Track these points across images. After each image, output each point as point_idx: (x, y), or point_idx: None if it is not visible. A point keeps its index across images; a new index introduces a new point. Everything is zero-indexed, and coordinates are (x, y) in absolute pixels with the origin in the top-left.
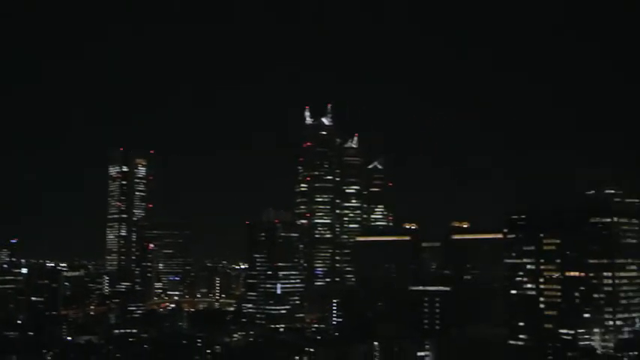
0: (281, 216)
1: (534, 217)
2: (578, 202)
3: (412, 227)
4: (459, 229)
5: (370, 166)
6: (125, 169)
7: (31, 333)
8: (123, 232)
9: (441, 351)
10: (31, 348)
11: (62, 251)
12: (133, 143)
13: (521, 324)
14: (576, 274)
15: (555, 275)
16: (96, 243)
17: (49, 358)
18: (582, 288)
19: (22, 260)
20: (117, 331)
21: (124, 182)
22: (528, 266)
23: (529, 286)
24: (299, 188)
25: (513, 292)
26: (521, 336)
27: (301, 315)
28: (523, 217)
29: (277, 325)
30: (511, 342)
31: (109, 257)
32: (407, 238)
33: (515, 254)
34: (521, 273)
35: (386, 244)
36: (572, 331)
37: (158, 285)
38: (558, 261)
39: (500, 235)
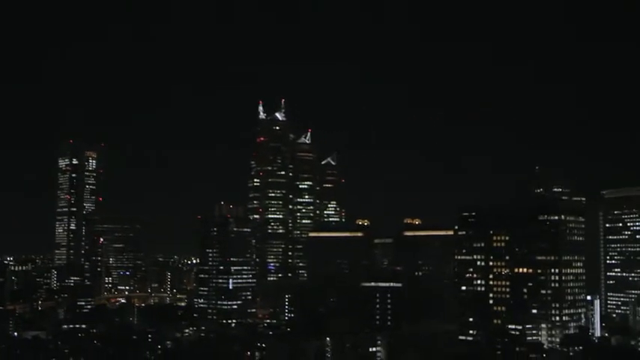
0: (233, 211)
1: (484, 214)
2: (527, 200)
3: (364, 223)
4: (411, 225)
5: (323, 162)
6: (75, 161)
7: None
8: (72, 226)
9: (393, 346)
10: None
11: (9, 245)
12: (84, 135)
13: (471, 320)
14: (524, 270)
15: (504, 272)
16: (44, 236)
17: None
18: (530, 284)
19: None
20: (65, 326)
21: (73, 175)
22: (478, 263)
23: (479, 282)
24: (252, 183)
25: (464, 288)
26: (471, 331)
27: (253, 310)
28: (474, 214)
29: (229, 321)
30: (461, 337)
31: (57, 251)
32: (359, 234)
33: (466, 251)
34: (471, 269)
35: (338, 240)
36: (520, 327)
37: (108, 279)
38: (507, 258)
39: (451, 232)
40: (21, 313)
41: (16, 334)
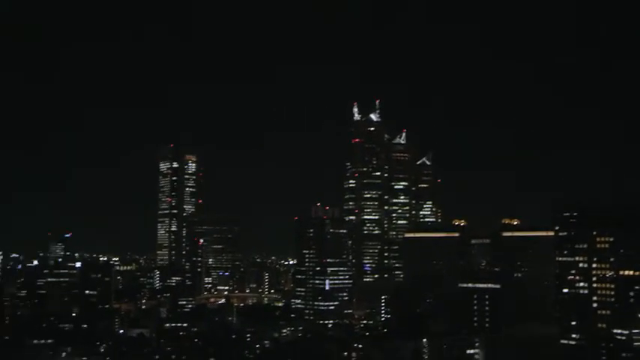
0: (329, 212)
1: (586, 214)
2: (630, 199)
3: (461, 224)
4: (509, 226)
5: (419, 162)
6: (175, 165)
7: (85, 326)
8: (173, 228)
9: (491, 349)
10: (85, 340)
11: (115, 246)
12: (182, 139)
13: (573, 323)
14: (630, 273)
15: (608, 274)
16: (147, 238)
17: (102, 350)
18: (637, 287)
19: (76, 254)
20: (167, 324)
21: (174, 178)
22: (580, 265)
23: (581, 284)
24: (347, 184)
25: (565, 290)
26: (573, 335)
27: (350, 311)
28: (575, 214)
29: (326, 321)
30: (563, 341)
31: (159, 252)
32: (456, 234)
33: (567, 252)
34: (573, 271)
35: (434, 241)
36: (626, 332)
37: (208, 280)
38: (612, 259)
39: (551, 233)
40: (126, 311)
41: (121, 331)
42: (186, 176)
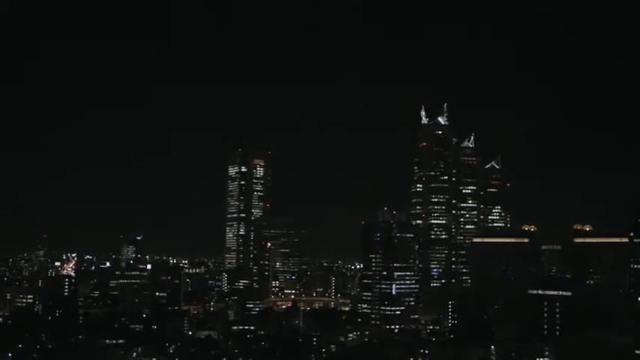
0: (396, 216)
1: None
2: None
3: (531, 229)
4: (581, 232)
5: (487, 166)
6: (244, 169)
7: (155, 327)
8: (241, 231)
9: (562, 357)
10: (155, 341)
11: (184, 249)
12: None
13: None
14: None
15: None
16: (215, 241)
17: (171, 351)
18: None
19: (147, 257)
20: (235, 327)
21: (242, 182)
22: None
23: None
24: (415, 188)
25: None
26: None
27: (416, 316)
28: None
29: (392, 326)
30: (638, 352)
31: (228, 255)
32: (525, 240)
33: None
34: None
35: (503, 246)
36: None
37: (275, 283)
38: None
39: (625, 239)
40: (194, 313)
41: (190, 333)
42: (255, 180)
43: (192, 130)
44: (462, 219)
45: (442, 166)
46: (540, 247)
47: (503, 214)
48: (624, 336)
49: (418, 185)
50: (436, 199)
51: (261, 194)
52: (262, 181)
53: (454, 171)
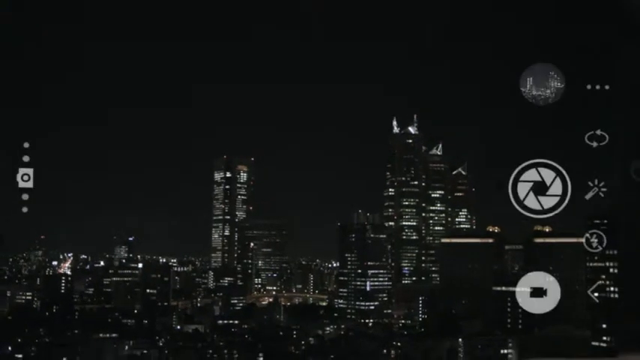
0: (370, 218)
1: (616, 221)
2: None
3: (495, 230)
4: (542, 232)
5: (454, 172)
6: (228, 174)
7: (146, 321)
8: (226, 232)
9: (524, 349)
10: (146, 334)
11: (173, 249)
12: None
13: (604, 326)
14: None
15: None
16: (202, 241)
17: (160, 344)
18: None
19: (138, 256)
20: (220, 321)
21: (227, 187)
22: (611, 270)
23: (612, 289)
24: (387, 193)
25: (596, 295)
26: (604, 338)
27: (389, 311)
28: (605, 221)
29: (367, 320)
30: (594, 343)
31: (213, 255)
32: (490, 240)
33: (598, 258)
34: (603, 276)
35: (469, 246)
36: None
37: (257, 280)
38: None
39: (582, 240)
40: (182, 308)
41: (178, 327)
42: (239, 185)
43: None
44: (431, 221)
45: (412, 171)
46: (504, 247)
47: (469, 216)
48: (581, 329)
49: (390, 189)
50: (407, 203)
51: (245, 197)
52: (246, 186)
53: (424, 176)
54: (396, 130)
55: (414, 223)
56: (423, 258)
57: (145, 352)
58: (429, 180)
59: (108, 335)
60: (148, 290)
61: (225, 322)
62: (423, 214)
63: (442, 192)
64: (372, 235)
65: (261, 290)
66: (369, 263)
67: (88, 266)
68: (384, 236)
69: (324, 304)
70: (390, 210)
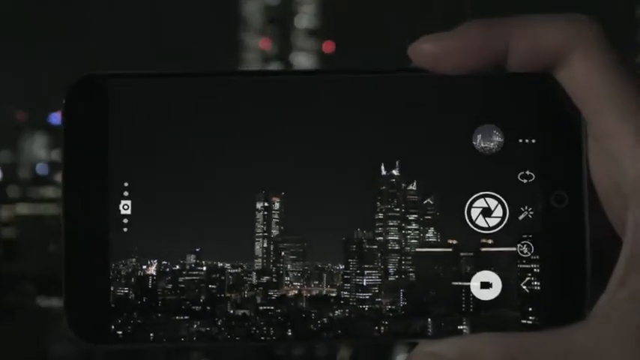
0: (366, 234)
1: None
2: None
3: (454, 243)
4: (487, 244)
5: (425, 202)
6: (266, 204)
7: (208, 307)
8: (264, 244)
9: (474, 326)
10: (208, 317)
11: (227, 256)
12: None
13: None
14: None
15: None
16: (247, 251)
17: (219, 324)
18: None
19: (203, 262)
20: (261, 307)
21: (265, 213)
22: (535, 270)
23: (536, 283)
24: (377, 216)
25: (525, 287)
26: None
27: (379, 299)
28: (531, 235)
29: (364, 306)
30: (522, 321)
31: (256, 260)
32: (450, 250)
33: (526, 261)
34: (529, 274)
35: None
36: None
37: (287, 278)
38: None
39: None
40: (234, 299)
41: (231, 311)
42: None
43: None
44: (408, 236)
45: (395, 202)
46: (460, 254)
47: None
48: (515, 312)
49: (379, 214)
50: (391, 224)
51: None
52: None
53: (403, 205)
54: (383, 172)
55: (396, 238)
56: (403, 262)
57: (208, 328)
58: (407, 207)
59: (182, 317)
60: (209, 286)
61: (265, 307)
62: (402, 232)
63: (416, 216)
64: (367, 247)
65: (289, 285)
66: (365, 266)
67: (167, 269)
68: (376, 247)
69: (334, 295)
70: (380, 229)
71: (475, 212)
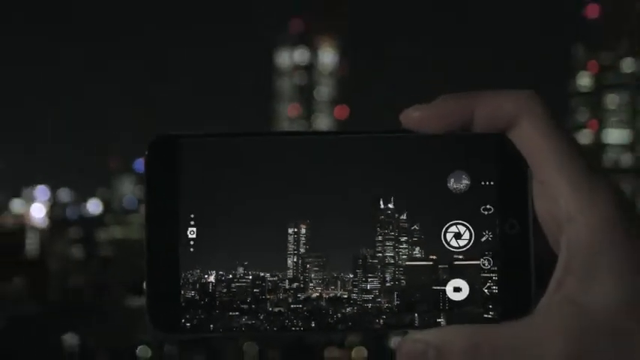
0: None
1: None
2: None
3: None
4: (459, 258)
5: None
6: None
7: None
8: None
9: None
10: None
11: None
12: None
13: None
14: None
15: None
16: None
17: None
18: None
19: None
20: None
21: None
22: (494, 278)
23: (493, 288)
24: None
25: (486, 291)
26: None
27: None
28: (491, 252)
29: None
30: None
31: (288, 271)
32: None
33: (487, 272)
34: (490, 282)
35: None
36: None
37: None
38: None
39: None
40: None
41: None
42: None
43: None
44: (400, 253)
45: (390, 227)
46: (438, 266)
47: (420, 251)
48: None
49: (379, 237)
50: (388, 244)
51: None
52: None
53: (396, 230)
54: None
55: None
56: None
57: (253, 322)
58: None
59: (234, 313)
60: (254, 290)
61: (295, 306)
62: None
63: (406, 238)
64: None
65: (313, 289)
66: None
67: (223, 277)
68: None
69: None
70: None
71: (449, 236)
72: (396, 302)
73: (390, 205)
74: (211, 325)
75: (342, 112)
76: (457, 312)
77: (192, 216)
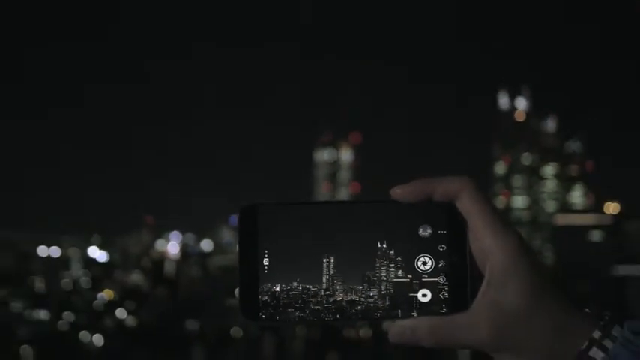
0: None
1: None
2: None
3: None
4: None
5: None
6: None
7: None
8: None
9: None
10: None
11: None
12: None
13: None
14: None
15: None
16: None
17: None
18: None
19: None
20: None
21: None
22: None
23: None
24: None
25: None
26: None
27: None
28: None
29: None
30: None
31: (323, 284)
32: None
33: None
34: None
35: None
36: None
37: None
38: None
39: None
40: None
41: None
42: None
43: None
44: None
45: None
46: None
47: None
48: None
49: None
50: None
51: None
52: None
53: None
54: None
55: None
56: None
57: (302, 315)
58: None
59: (291, 309)
60: (302, 295)
61: (327, 305)
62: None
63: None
64: None
65: (338, 294)
66: None
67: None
68: None
69: None
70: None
71: (420, 263)
72: (387, 303)
73: (385, 245)
74: (277, 317)
75: (355, 188)
76: (424, 309)
77: (266, 251)
